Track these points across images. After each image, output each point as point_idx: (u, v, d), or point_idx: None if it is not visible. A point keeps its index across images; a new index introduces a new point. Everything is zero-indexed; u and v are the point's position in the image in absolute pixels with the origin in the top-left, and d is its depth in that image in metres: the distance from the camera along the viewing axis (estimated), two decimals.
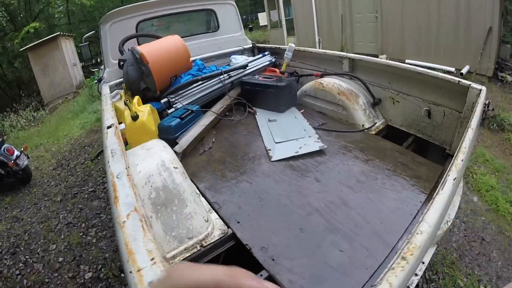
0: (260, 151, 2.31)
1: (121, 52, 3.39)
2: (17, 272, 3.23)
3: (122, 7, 3.68)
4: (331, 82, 2.75)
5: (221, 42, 4.17)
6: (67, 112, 10.20)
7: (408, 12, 7.05)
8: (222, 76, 3.22)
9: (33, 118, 11.38)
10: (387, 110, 2.61)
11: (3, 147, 5.30)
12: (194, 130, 2.68)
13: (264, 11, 13.43)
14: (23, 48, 12.19)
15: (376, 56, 7.72)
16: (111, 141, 1.61)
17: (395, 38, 7.51)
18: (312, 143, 2.26)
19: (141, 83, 3.11)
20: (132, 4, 3.75)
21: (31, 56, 12.37)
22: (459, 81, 1.97)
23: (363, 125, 2.50)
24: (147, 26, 4.08)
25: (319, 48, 9.84)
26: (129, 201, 1.09)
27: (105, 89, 3.20)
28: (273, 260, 1.37)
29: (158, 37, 3.52)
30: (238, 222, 1.62)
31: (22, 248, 3.55)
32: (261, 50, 4.22)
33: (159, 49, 3.16)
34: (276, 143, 2.36)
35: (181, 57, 3.25)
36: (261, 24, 15.55)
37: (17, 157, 5.04)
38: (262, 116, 2.91)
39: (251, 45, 4.31)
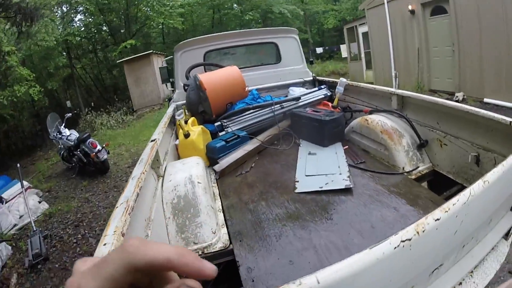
0: (290, 181, 2.36)
1: (187, 77, 3.78)
2: (74, 240, 4.06)
3: (192, 39, 4.19)
4: (376, 119, 2.66)
5: (282, 73, 4.34)
6: (151, 120, 11.42)
7: (486, 44, 6.44)
8: (273, 107, 3.34)
9: (122, 121, 12.98)
10: (434, 154, 2.41)
11: (88, 140, 6.79)
12: (236, 153, 2.89)
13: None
14: (120, 61, 14.00)
15: (453, 94, 7.13)
16: (146, 151, 1.98)
17: (473, 74, 6.89)
18: (340, 180, 2.21)
19: (200, 106, 3.43)
20: (201, 36, 4.23)
21: (126, 68, 14.20)
22: (511, 122, 1.75)
23: (403, 168, 2.35)
24: (218, 54, 4.50)
25: (396, 84, 9.44)
26: (127, 195, 1.36)
27: (170, 108, 3.73)
28: (253, 281, 1.44)
29: (220, 67, 3.83)
30: (240, 241, 1.75)
31: (84, 224, 4.46)
32: (322, 83, 4.26)
33: (217, 78, 3.47)
34: (306, 176, 2.39)
35: (236, 86, 3.49)
36: (343, 56, 15.57)
37: (99, 150, 6.05)
38: (304, 148, 2.95)
39: (311, 78, 4.38)
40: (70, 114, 8.27)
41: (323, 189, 2.15)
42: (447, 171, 2.31)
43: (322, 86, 3.87)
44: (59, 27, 14.23)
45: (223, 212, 2.09)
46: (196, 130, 3.02)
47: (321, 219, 1.84)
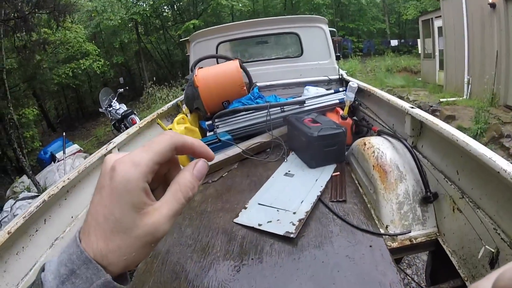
0: (241, 205, 2.02)
1: (191, 70, 3.47)
2: None
3: (206, 29, 3.89)
4: (375, 145, 1.98)
5: (304, 69, 3.74)
6: None
7: None
8: (268, 110, 2.81)
9: (180, 95, 13.24)
10: (443, 217, 1.65)
11: (130, 117, 7.43)
12: None
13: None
14: (182, 40, 14.13)
15: None
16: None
17: None
18: (286, 223, 1.71)
19: (194, 103, 3.13)
20: (214, 27, 3.88)
21: (187, 46, 14.33)
22: None
23: (386, 227, 1.68)
24: (241, 44, 4.17)
25: (467, 92, 8.01)
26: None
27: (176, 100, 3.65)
28: None
29: (229, 59, 3.43)
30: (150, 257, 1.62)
31: None
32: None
33: (213, 74, 3.13)
34: (258, 204, 1.97)
35: (233, 84, 3.09)
36: (419, 52, 13.95)
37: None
38: (287, 165, 2.46)
39: (337, 76, 3.68)
40: (122, 89, 8.91)
41: (261, 228, 1.73)
42: (452, 249, 1.56)
43: (340, 89, 3.17)
44: (128, 5, 14.82)
45: None
46: (179, 129, 2.84)
47: (239, 263, 1.53)
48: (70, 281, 0.32)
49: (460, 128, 6.10)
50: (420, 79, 12.20)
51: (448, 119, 6.60)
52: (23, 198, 5.22)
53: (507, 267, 0.23)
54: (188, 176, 0.38)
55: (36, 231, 1.41)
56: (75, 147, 8.39)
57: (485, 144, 5.27)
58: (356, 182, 2.14)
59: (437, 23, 10.03)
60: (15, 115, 8.12)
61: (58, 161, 7.44)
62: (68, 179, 1.61)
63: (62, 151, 7.21)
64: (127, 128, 7.65)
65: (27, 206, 4.90)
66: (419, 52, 13.00)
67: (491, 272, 0.25)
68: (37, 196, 5.37)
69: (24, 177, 7.00)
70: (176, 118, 2.96)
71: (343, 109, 2.83)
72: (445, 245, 1.60)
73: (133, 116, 7.75)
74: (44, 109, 14.46)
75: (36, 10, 8.27)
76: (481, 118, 5.84)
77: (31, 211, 1.36)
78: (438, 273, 1.83)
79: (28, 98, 10.17)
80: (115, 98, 8.49)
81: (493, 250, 1.26)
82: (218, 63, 3.64)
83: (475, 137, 5.59)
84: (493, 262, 1.26)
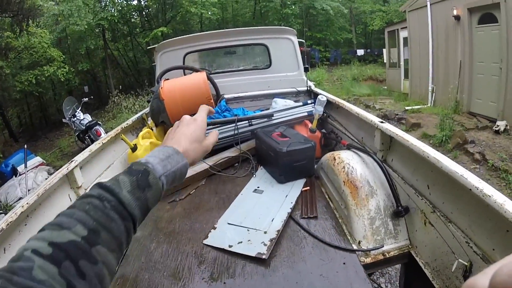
0: (210, 225, 1.93)
1: (157, 82, 3.34)
2: None
3: (173, 39, 3.78)
4: (346, 160, 1.94)
5: (272, 81, 3.70)
6: None
7: None
8: (235, 124, 2.73)
9: (147, 106, 12.89)
10: (415, 230, 1.64)
11: (94, 128, 7.25)
12: None
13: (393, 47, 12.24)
14: (149, 47, 13.85)
15: (495, 121, 5.99)
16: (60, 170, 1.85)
17: None
18: (258, 243, 1.64)
19: (160, 116, 3.00)
20: (181, 36, 3.76)
21: (155, 54, 14.01)
22: None
23: (359, 243, 1.64)
24: (210, 54, 4.12)
25: (431, 100, 8.34)
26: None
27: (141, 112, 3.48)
28: None
29: (196, 70, 3.33)
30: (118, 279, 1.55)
31: None
32: (317, 96, 3.56)
33: (179, 86, 3.04)
34: (228, 223, 1.88)
35: (200, 97, 3.00)
36: (385, 61, 14.42)
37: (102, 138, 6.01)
38: (256, 181, 2.38)
39: (306, 88, 3.67)
40: (87, 99, 8.63)
41: (231, 249, 1.64)
42: (425, 261, 1.55)
43: (309, 102, 3.15)
44: (95, 10, 14.35)
45: None
46: (144, 144, 2.67)
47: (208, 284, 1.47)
48: (167, 160, 0.61)
49: (425, 135, 6.31)
50: (385, 87, 12.56)
51: (414, 126, 6.80)
52: None
53: (505, 262, 0.23)
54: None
55: None
56: (37, 159, 7.94)
57: (450, 150, 5.48)
58: (327, 196, 2.10)
59: (403, 33, 10.42)
60: None
61: (20, 174, 7.04)
62: (27, 203, 1.47)
63: (23, 164, 6.80)
64: (91, 139, 7.43)
65: None
66: (385, 61, 13.39)
67: (489, 267, 0.25)
68: None
69: None
70: (141, 133, 2.81)
71: (311, 122, 2.80)
72: (417, 257, 1.60)
73: (97, 127, 7.51)
74: (6, 117, 13.63)
75: None
76: (446, 125, 6.05)
77: None
78: (412, 285, 1.83)
79: None
80: (80, 108, 8.22)
81: (466, 263, 1.25)
82: (185, 74, 3.54)
83: (440, 143, 5.79)
84: (467, 274, 1.25)
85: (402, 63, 10.86)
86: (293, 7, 18.85)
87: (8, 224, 1.32)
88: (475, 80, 7.06)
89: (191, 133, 0.70)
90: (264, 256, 1.54)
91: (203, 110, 0.77)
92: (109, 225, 0.49)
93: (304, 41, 3.92)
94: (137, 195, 0.55)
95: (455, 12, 7.19)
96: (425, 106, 8.39)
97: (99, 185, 0.54)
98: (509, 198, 1.10)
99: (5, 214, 4.38)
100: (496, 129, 5.91)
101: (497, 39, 6.23)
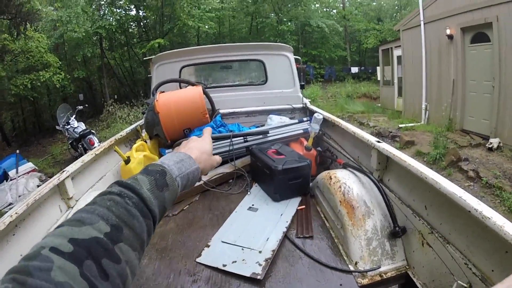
0: (203, 243, 1.89)
1: (153, 94, 3.33)
2: None
3: (170, 51, 3.79)
4: (341, 179, 1.93)
5: (268, 97, 3.71)
6: None
7: None
8: (230, 140, 2.72)
9: (141, 117, 12.81)
10: (412, 250, 1.63)
11: (88, 137, 7.20)
12: None
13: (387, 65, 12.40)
14: (146, 58, 13.89)
15: (487, 139, 6.06)
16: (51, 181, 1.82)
17: None
18: (252, 263, 1.61)
19: (154, 129, 2.97)
20: (178, 49, 3.77)
21: (151, 66, 14.02)
22: None
23: (355, 264, 1.62)
24: (204, 68, 4.11)
25: (425, 117, 8.43)
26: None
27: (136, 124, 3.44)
28: None
29: (192, 84, 3.32)
30: None
31: None
32: (313, 114, 3.57)
33: (174, 100, 3.02)
34: (222, 242, 1.85)
35: (195, 111, 2.99)
36: (378, 79, 14.61)
37: (95, 148, 5.95)
38: (250, 198, 2.36)
39: (301, 105, 3.68)
40: (82, 107, 8.57)
41: (225, 269, 1.61)
42: (423, 282, 1.53)
43: (305, 119, 3.15)
44: (94, 18, 14.38)
45: None
46: (137, 157, 2.64)
47: None
48: (181, 163, 0.65)
49: (419, 153, 6.35)
50: (379, 105, 12.69)
51: (408, 144, 6.84)
52: None
53: (504, 286, 0.22)
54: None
55: None
56: (29, 165, 7.82)
57: (444, 168, 5.50)
58: (322, 215, 2.08)
59: (397, 52, 10.60)
60: None
61: (11, 179, 6.93)
62: (15, 213, 1.42)
63: (15, 169, 6.70)
64: (84, 148, 7.35)
65: None
66: (378, 79, 13.55)
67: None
68: None
69: None
70: (135, 145, 2.77)
71: (307, 139, 2.80)
72: (415, 278, 1.58)
73: (91, 136, 7.43)
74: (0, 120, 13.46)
75: None
76: (440, 143, 6.09)
77: None
78: None
79: None
80: (74, 116, 8.12)
81: (465, 285, 1.24)
82: (180, 87, 3.53)
83: (434, 161, 5.82)
84: None
85: (395, 81, 11.01)
86: (289, 24, 19.03)
87: None
88: (468, 98, 7.17)
89: (201, 146, 0.76)
90: (259, 277, 1.51)
91: (208, 132, 0.85)
92: (131, 222, 0.48)
93: (300, 58, 3.96)
94: (156, 194, 0.55)
95: (448, 32, 7.35)
96: (419, 123, 8.47)
97: (119, 183, 0.53)
98: (505, 216, 1.10)
99: None
100: (489, 146, 5.97)
101: (489, 58, 6.37)
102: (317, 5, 21.57)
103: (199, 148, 0.74)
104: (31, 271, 0.35)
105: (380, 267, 1.61)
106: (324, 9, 22.48)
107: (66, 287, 0.35)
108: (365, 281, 1.55)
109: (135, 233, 0.47)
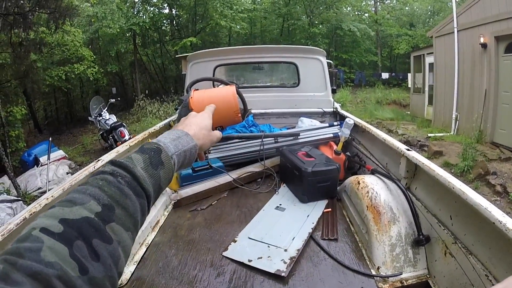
0: (230, 237, 1.96)
1: (187, 91, 3.44)
2: None
3: (204, 50, 3.89)
4: (369, 185, 1.97)
5: (299, 99, 3.76)
6: None
7: None
8: (261, 140, 2.80)
9: (171, 112, 13.16)
10: (435, 260, 1.65)
11: (119, 129, 7.53)
12: (201, 185, 2.58)
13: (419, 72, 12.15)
14: (178, 56, 14.18)
15: None
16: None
17: None
18: (277, 260, 1.67)
19: None
20: (213, 49, 3.92)
21: (183, 63, 14.36)
22: None
23: (378, 269, 1.66)
24: (236, 68, 4.20)
25: (455, 128, 8.21)
26: None
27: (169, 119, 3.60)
28: None
29: (226, 83, 3.41)
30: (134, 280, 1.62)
31: None
32: (343, 119, 3.60)
33: (208, 97, 3.07)
34: (248, 238, 1.92)
35: (228, 110, 3.04)
36: (409, 86, 14.31)
37: (125, 140, 6.20)
38: (278, 198, 2.42)
39: (332, 109, 3.71)
40: (114, 100, 8.85)
41: (251, 264, 1.67)
42: None
43: (335, 123, 3.19)
44: (128, 15, 14.87)
45: (147, 248, 1.91)
46: None
47: None
48: (178, 141, 0.63)
49: (447, 164, 6.21)
50: (408, 112, 12.46)
51: (436, 154, 6.71)
52: (2, 201, 5.01)
53: None
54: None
55: None
56: (60, 153, 8.20)
57: (472, 181, 5.37)
58: (348, 220, 2.13)
59: (429, 59, 10.37)
60: (2, 112, 7.83)
61: (42, 165, 7.28)
62: (51, 196, 1.52)
63: (46, 155, 7.04)
64: (115, 140, 7.64)
65: (5, 209, 4.71)
66: (409, 86, 13.29)
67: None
68: (17, 200, 5.18)
69: (5, 178, 6.77)
70: None
71: (336, 144, 2.84)
72: (435, 287, 1.60)
73: (122, 128, 7.68)
74: (33, 109, 14.11)
75: (37, 8, 8.18)
76: (468, 155, 5.95)
77: (11, 228, 1.26)
78: None
79: (18, 96, 9.86)
80: (106, 108, 8.43)
81: None
82: (214, 86, 3.64)
83: (462, 173, 5.69)
84: None
85: (426, 88, 10.77)
86: (321, 26, 18.98)
87: (31, 214, 1.36)
88: (499, 110, 6.96)
89: (200, 121, 0.75)
90: (283, 274, 1.57)
91: (209, 108, 0.86)
92: (124, 202, 0.47)
93: (332, 62, 3.98)
94: (151, 172, 0.54)
95: (482, 40, 7.16)
96: (448, 134, 8.27)
97: (112, 162, 0.52)
98: None
99: (23, 201, 4.60)
100: None
101: None
102: (349, 9, 21.37)
103: (198, 124, 0.73)
104: (22, 252, 0.35)
105: (401, 274, 1.64)
106: (356, 13, 22.25)
107: (55, 267, 0.35)
108: (385, 286, 1.58)
109: (127, 213, 0.47)
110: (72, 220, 0.40)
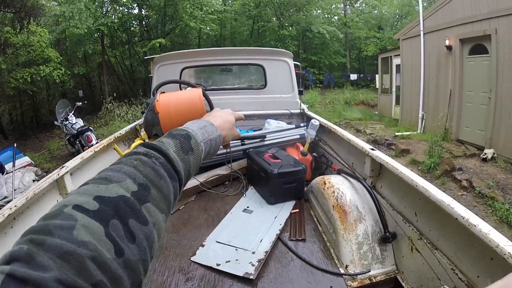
0: (198, 242, 1.93)
1: (153, 94, 3.35)
2: None
3: (171, 53, 3.83)
4: (335, 185, 1.98)
5: (266, 101, 3.76)
6: None
7: None
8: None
9: (139, 116, 12.85)
10: (402, 256, 1.69)
11: (86, 133, 7.23)
12: None
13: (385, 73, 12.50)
14: (147, 57, 13.90)
15: (482, 149, 6.15)
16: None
17: (509, 130, 5.89)
18: (245, 263, 1.66)
19: (153, 129, 2.98)
20: (180, 51, 3.86)
21: (152, 65, 14.04)
22: None
23: (346, 267, 1.66)
24: (204, 70, 4.14)
25: (421, 126, 8.52)
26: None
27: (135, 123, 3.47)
28: None
29: (193, 86, 3.35)
30: None
31: None
32: (310, 119, 3.62)
33: (174, 101, 2.99)
34: (216, 241, 1.89)
35: (194, 113, 2.96)
36: (377, 87, 14.71)
37: (93, 145, 6.02)
38: (245, 200, 2.41)
39: (299, 111, 3.73)
40: (81, 103, 8.56)
41: (219, 268, 1.65)
42: (411, 286, 1.58)
43: (302, 124, 3.21)
44: (96, 15, 14.40)
45: None
46: None
47: None
48: (204, 129, 0.65)
49: (414, 161, 6.42)
50: (376, 112, 12.79)
51: (403, 152, 6.92)
52: None
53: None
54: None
55: None
56: (25, 159, 7.81)
57: (438, 177, 5.57)
58: (315, 219, 2.13)
59: (396, 61, 10.71)
60: None
61: (7, 173, 6.91)
62: (15, 206, 1.44)
63: (11, 162, 6.69)
64: (82, 144, 7.36)
65: None
66: (377, 87, 13.63)
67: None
68: None
69: None
70: (134, 144, 2.78)
71: (303, 145, 2.85)
72: (404, 282, 1.63)
73: (89, 133, 7.41)
74: None
75: (2, 7, 7.76)
76: (435, 152, 6.17)
77: None
78: None
79: None
80: (72, 112, 8.13)
81: None
82: (181, 89, 3.57)
83: (429, 170, 5.89)
84: None
85: (394, 89, 11.11)
86: (290, 28, 19.14)
87: None
88: (464, 109, 7.28)
89: (224, 115, 0.77)
90: (251, 277, 1.55)
91: (235, 113, 0.86)
92: (159, 183, 0.45)
93: (299, 63, 4.01)
94: (182, 156, 0.54)
95: (447, 42, 7.47)
96: (415, 132, 8.56)
97: (144, 144, 0.51)
98: (496, 225, 1.15)
99: None
100: (484, 157, 6.07)
101: (486, 70, 6.48)
102: (318, 11, 21.68)
103: (222, 117, 0.75)
104: (52, 229, 0.32)
105: (370, 271, 1.66)
106: (326, 16, 22.62)
107: (89, 246, 0.32)
108: (354, 284, 1.60)
109: (162, 194, 0.45)
110: (108, 198, 0.38)
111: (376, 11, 22.61)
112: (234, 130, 0.80)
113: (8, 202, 5.24)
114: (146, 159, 0.47)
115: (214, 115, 0.76)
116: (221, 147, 0.75)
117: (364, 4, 23.26)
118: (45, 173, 7.55)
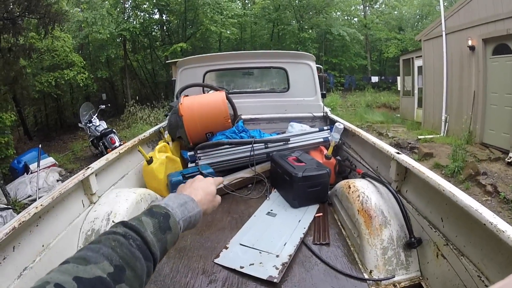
0: (221, 244, 1.94)
1: (177, 97, 3.43)
2: None
3: (194, 56, 3.87)
4: (360, 189, 1.97)
5: (289, 105, 3.76)
6: None
7: None
8: (252, 145, 2.79)
9: (162, 119, 13.08)
10: (427, 262, 1.66)
11: (109, 136, 7.45)
12: None
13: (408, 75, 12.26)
14: (168, 61, 14.15)
15: (507, 153, 5.94)
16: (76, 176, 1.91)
17: None
18: (269, 267, 1.66)
19: (177, 131, 3.07)
20: (203, 55, 3.88)
21: (173, 69, 14.26)
22: None
23: (370, 272, 1.65)
24: (226, 74, 4.23)
25: (444, 129, 8.30)
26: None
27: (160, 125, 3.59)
28: None
29: (216, 89, 3.41)
30: None
31: None
32: (333, 123, 3.60)
33: (198, 104, 3.09)
34: (240, 244, 1.90)
35: (218, 116, 3.05)
36: (398, 89, 14.45)
37: (116, 147, 6.11)
38: (269, 203, 2.41)
39: (322, 114, 3.72)
40: (104, 106, 8.76)
41: (243, 271, 1.66)
42: None
43: (325, 128, 3.20)
44: (118, 21, 14.80)
45: None
46: (160, 158, 2.75)
47: None
48: (184, 206, 0.67)
49: (438, 165, 6.26)
50: (398, 115, 12.56)
51: (426, 156, 6.77)
52: None
53: None
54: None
55: (4, 259, 1.28)
56: (50, 160, 8.07)
57: (462, 182, 5.42)
58: (339, 224, 2.13)
59: (417, 62, 10.50)
60: None
61: (32, 172, 7.15)
62: (41, 205, 1.49)
63: (36, 163, 6.92)
64: (105, 146, 7.55)
65: None
66: (399, 89, 13.38)
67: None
68: (7, 208, 5.08)
69: None
70: (158, 146, 2.87)
71: (327, 148, 2.84)
72: None
73: (112, 135, 7.59)
74: (23, 115, 13.85)
75: (27, 13, 8.08)
76: (458, 156, 6.01)
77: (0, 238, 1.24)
78: None
79: (7, 102, 9.64)
80: (96, 114, 8.35)
81: None
82: (204, 92, 3.62)
83: (452, 174, 5.74)
84: None
85: (416, 91, 10.89)
86: (310, 31, 19.06)
87: (20, 223, 1.34)
88: (488, 111, 7.05)
89: (206, 187, 0.79)
90: (275, 280, 1.56)
91: (216, 180, 0.88)
92: (134, 264, 0.49)
93: (322, 66, 4.00)
94: (159, 236, 0.57)
95: (470, 43, 7.27)
96: (438, 135, 8.35)
97: (124, 224, 0.55)
98: None
99: (13, 209, 4.51)
100: (509, 160, 5.85)
101: (510, 70, 6.26)
102: (338, 13, 21.52)
103: (204, 189, 0.78)
104: None
105: (394, 277, 1.64)
106: (346, 18, 22.43)
107: None
108: None
109: (136, 274, 0.49)
110: (86, 279, 0.42)
111: (396, 12, 22.29)
112: (215, 201, 0.81)
113: (33, 201, 5.44)
114: (124, 241, 0.51)
115: (196, 187, 0.78)
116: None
117: (383, 5, 22.95)
118: (69, 174, 7.77)
